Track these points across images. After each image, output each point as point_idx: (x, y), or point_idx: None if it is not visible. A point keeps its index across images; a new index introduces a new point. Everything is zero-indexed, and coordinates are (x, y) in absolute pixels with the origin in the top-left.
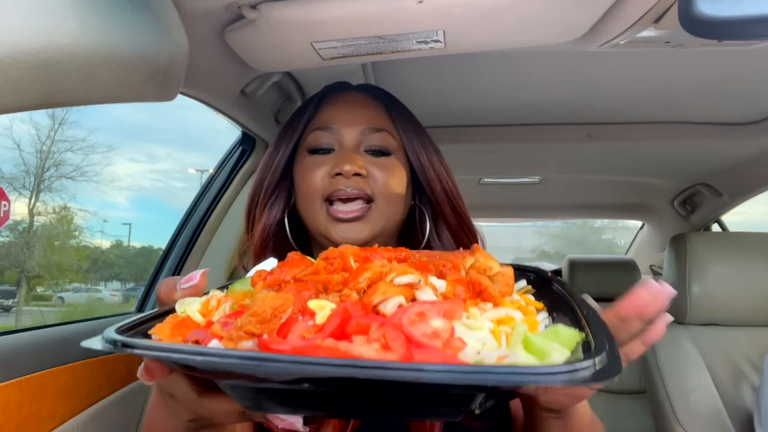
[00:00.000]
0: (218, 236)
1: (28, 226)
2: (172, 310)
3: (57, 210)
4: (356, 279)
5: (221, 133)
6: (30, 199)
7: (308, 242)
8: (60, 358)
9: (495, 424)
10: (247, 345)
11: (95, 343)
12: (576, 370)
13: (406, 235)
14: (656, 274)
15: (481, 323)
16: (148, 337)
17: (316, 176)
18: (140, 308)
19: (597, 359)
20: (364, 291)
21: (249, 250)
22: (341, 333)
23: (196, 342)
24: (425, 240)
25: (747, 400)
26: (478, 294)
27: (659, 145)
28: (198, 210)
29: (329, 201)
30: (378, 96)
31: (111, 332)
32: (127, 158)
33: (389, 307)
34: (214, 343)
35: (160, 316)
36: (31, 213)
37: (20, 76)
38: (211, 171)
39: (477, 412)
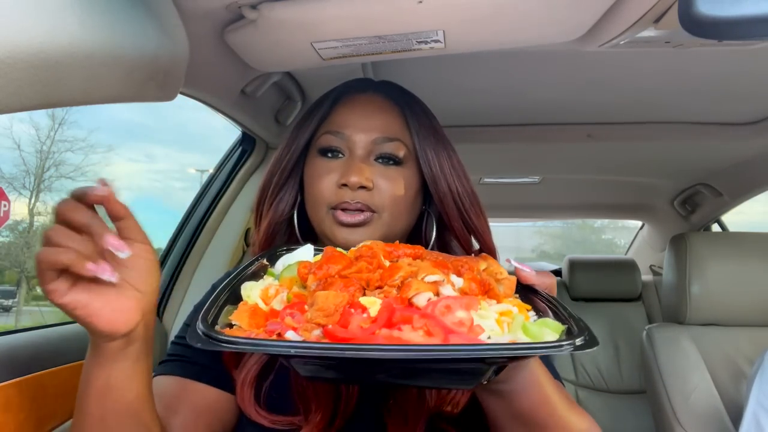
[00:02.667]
0: (218, 236)
1: (28, 226)
2: (236, 293)
3: None
4: (392, 277)
5: (219, 132)
6: (30, 199)
7: (315, 238)
8: (60, 358)
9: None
10: (316, 333)
11: (197, 342)
12: (570, 343)
13: (413, 239)
14: (656, 274)
15: (490, 314)
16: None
17: (323, 184)
18: None
19: (586, 335)
20: (399, 286)
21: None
22: (389, 323)
23: (279, 335)
24: (429, 247)
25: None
26: (486, 292)
27: (659, 145)
28: (198, 210)
29: (335, 207)
30: (396, 98)
31: (211, 331)
32: (124, 158)
33: (421, 300)
34: (290, 333)
35: (225, 301)
36: (31, 213)
37: (20, 76)
38: (211, 171)
39: (485, 382)
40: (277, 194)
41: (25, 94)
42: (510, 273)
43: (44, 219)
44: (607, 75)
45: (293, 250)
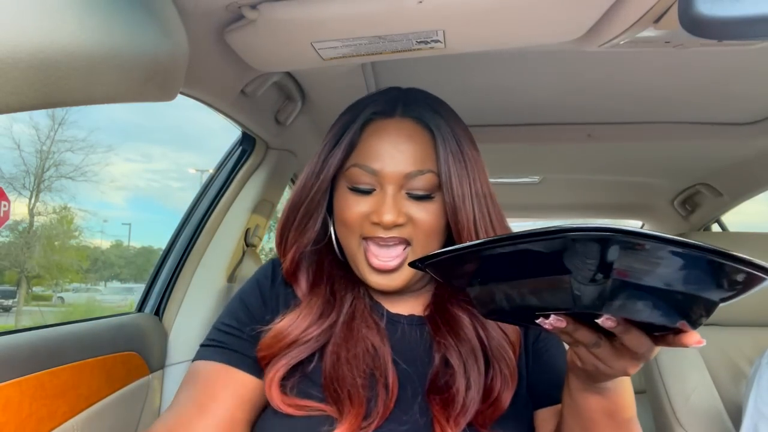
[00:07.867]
0: (218, 236)
1: (28, 226)
2: None
3: (57, 210)
4: None
5: (215, 132)
6: (30, 199)
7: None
8: (60, 358)
9: None
10: None
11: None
12: None
13: None
14: None
15: None
16: None
17: (354, 217)
18: (140, 308)
19: None
20: None
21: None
22: None
23: None
24: None
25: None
26: None
27: (659, 145)
28: (198, 210)
29: (367, 238)
30: (426, 120)
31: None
32: (122, 158)
33: None
34: None
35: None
36: (31, 213)
37: (20, 76)
38: (210, 171)
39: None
40: (305, 223)
41: (25, 94)
42: None
43: (44, 219)
44: (607, 75)
45: None
